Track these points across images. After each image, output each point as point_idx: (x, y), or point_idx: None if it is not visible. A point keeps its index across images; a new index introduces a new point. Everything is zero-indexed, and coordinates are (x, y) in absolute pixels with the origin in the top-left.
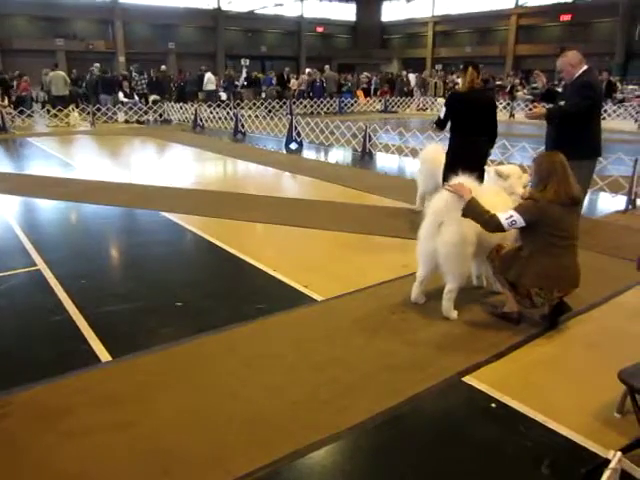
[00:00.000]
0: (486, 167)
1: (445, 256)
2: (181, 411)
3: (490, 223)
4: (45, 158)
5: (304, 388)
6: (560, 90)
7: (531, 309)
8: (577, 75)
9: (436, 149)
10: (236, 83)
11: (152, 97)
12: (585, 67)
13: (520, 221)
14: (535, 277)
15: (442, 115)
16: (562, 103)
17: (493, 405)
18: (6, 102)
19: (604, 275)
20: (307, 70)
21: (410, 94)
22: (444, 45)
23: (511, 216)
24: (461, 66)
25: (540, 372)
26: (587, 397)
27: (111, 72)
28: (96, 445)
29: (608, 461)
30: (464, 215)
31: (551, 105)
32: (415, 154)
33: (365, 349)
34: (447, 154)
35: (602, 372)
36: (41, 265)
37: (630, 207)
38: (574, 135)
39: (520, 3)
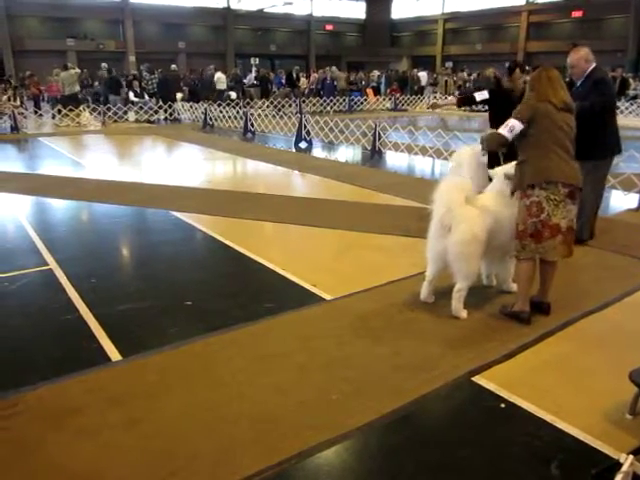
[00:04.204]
0: (490, 171)
1: (456, 255)
2: (190, 410)
3: (495, 139)
4: (56, 158)
5: (312, 388)
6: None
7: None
8: (588, 72)
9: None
10: (244, 81)
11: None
12: (594, 64)
13: (518, 125)
14: (537, 172)
15: (479, 98)
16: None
17: (502, 405)
18: (18, 102)
19: (616, 274)
20: (320, 71)
21: (420, 92)
22: (454, 42)
23: (508, 125)
24: (507, 65)
25: (550, 372)
26: (598, 398)
27: (116, 72)
28: (105, 444)
29: (618, 463)
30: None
31: None
32: (425, 152)
33: (374, 349)
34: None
35: (613, 372)
36: (52, 264)
37: None
38: (592, 135)
39: (531, 0)
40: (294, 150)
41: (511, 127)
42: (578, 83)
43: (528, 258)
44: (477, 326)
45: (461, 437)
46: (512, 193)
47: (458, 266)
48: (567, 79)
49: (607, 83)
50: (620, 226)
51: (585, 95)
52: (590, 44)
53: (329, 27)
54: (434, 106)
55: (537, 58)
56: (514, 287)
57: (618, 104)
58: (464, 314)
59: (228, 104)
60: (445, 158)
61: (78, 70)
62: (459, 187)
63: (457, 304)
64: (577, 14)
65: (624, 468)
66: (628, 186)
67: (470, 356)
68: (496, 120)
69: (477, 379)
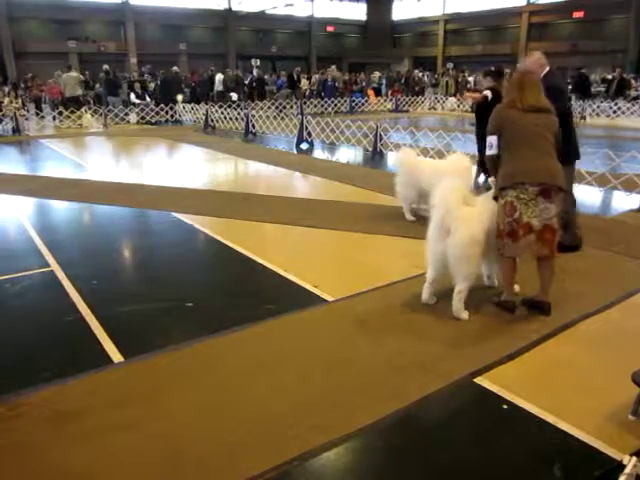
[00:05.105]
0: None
1: (455, 257)
2: (192, 412)
3: (489, 164)
4: (58, 160)
5: (314, 389)
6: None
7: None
8: (541, 77)
9: (408, 153)
10: (245, 82)
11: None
12: (548, 68)
13: (493, 139)
14: (506, 176)
15: (490, 97)
16: None
17: (505, 406)
18: (19, 104)
19: (618, 275)
20: (320, 71)
21: (421, 93)
22: (455, 43)
23: (488, 143)
24: (492, 68)
25: (553, 373)
26: (600, 399)
27: (114, 74)
28: (108, 446)
29: (622, 465)
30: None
31: None
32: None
33: (375, 350)
34: None
35: (616, 374)
36: (54, 266)
37: None
38: None
39: (532, 0)
40: (295, 151)
41: (489, 144)
42: None
43: (508, 256)
44: (479, 327)
45: (463, 438)
46: (494, 198)
47: (458, 268)
48: (568, 80)
49: (561, 89)
50: (622, 227)
51: None
52: (591, 45)
53: (330, 28)
54: (466, 97)
55: None
56: (516, 287)
57: (620, 104)
58: (465, 315)
59: (229, 105)
60: None
61: (82, 76)
62: (456, 189)
63: (458, 305)
64: (578, 15)
65: (627, 470)
66: (630, 187)
67: (472, 357)
68: (478, 117)
69: (479, 380)
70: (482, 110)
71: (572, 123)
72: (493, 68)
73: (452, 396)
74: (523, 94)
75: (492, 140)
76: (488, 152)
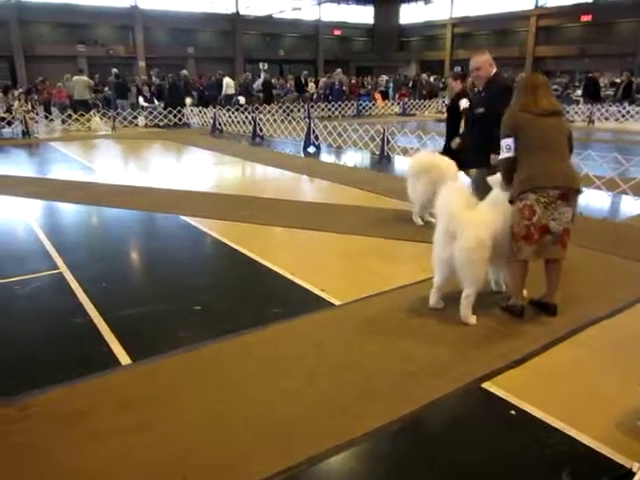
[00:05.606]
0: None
1: (462, 262)
2: (200, 414)
3: (504, 165)
4: (67, 162)
5: (321, 392)
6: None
7: (546, 246)
8: (490, 78)
9: (430, 156)
10: (254, 86)
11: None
12: (495, 69)
13: (508, 141)
14: (525, 180)
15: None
16: (481, 110)
17: (513, 412)
18: (29, 107)
19: (628, 279)
20: (327, 75)
21: (433, 96)
22: (463, 47)
23: (503, 146)
24: (460, 71)
25: (561, 379)
26: (609, 405)
27: (123, 77)
28: (116, 447)
29: (631, 472)
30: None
31: None
32: None
33: (383, 354)
34: None
35: (625, 379)
36: (63, 268)
37: None
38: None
39: (540, 4)
40: (303, 155)
41: (507, 146)
42: (480, 88)
43: (521, 260)
44: (487, 332)
45: (471, 444)
46: (510, 202)
47: (465, 272)
48: (577, 83)
49: (512, 89)
50: (631, 231)
51: (490, 101)
52: (599, 48)
53: (337, 32)
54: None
55: (546, 62)
56: (524, 292)
57: (628, 108)
58: (473, 320)
59: (237, 109)
60: None
61: (91, 82)
62: (460, 192)
63: (466, 310)
64: (586, 18)
65: (637, 477)
66: (639, 191)
67: (480, 362)
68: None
69: (487, 385)
70: (456, 110)
71: None
72: (460, 71)
73: (460, 401)
74: (537, 97)
75: (509, 143)
76: (504, 155)
